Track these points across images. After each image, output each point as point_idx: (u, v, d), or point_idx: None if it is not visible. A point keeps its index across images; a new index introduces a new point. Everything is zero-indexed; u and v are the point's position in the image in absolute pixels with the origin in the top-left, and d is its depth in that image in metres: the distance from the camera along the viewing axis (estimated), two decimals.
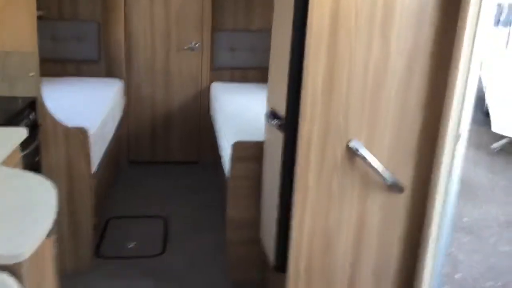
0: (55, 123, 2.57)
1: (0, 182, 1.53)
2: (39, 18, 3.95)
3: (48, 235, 1.47)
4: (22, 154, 2.16)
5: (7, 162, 1.74)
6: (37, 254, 1.32)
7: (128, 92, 4.23)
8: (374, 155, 1.79)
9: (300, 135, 1.77)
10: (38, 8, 3.85)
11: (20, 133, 1.97)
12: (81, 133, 2.61)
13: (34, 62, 2.49)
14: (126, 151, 4.34)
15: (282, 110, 1.91)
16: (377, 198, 1.88)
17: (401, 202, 1.91)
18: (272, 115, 2.06)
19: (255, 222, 2.54)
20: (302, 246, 1.90)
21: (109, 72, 4.11)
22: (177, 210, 3.59)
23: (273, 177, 2.11)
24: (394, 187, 1.85)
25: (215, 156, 3.61)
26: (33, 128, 2.47)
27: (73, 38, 4.00)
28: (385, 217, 1.92)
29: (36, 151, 2.51)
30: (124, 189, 3.90)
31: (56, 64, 4.03)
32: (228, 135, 2.92)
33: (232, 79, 4.38)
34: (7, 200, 1.39)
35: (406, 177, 1.88)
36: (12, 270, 1.18)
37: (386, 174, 1.81)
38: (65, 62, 4.06)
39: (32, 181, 1.53)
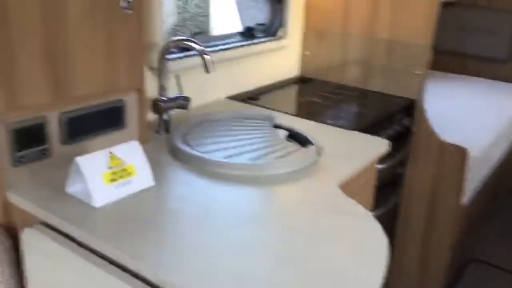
0: (430, 134, 2.07)
1: (320, 228, 1.13)
2: (449, 4, 3.48)
3: None
4: (384, 166, 1.76)
5: (349, 183, 1.36)
6: None
7: None
8: None
9: None
10: None
11: (380, 147, 1.56)
12: (459, 153, 2.03)
13: (423, 59, 2.03)
14: (508, 178, 3.42)
15: None
16: None
17: None
18: None
19: None
20: None
21: None
22: None
23: None
24: None
25: None
26: (403, 136, 2.06)
27: (482, 30, 3.35)
28: None
29: (401, 162, 2.10)
30: (498, 227, 3.07)
31: (453, 57, 3.47)
32: None
33: None
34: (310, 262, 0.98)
35: None
36: None
37: None
38: (465, 57, 3.45)
39: (361, 232, 1.07)
